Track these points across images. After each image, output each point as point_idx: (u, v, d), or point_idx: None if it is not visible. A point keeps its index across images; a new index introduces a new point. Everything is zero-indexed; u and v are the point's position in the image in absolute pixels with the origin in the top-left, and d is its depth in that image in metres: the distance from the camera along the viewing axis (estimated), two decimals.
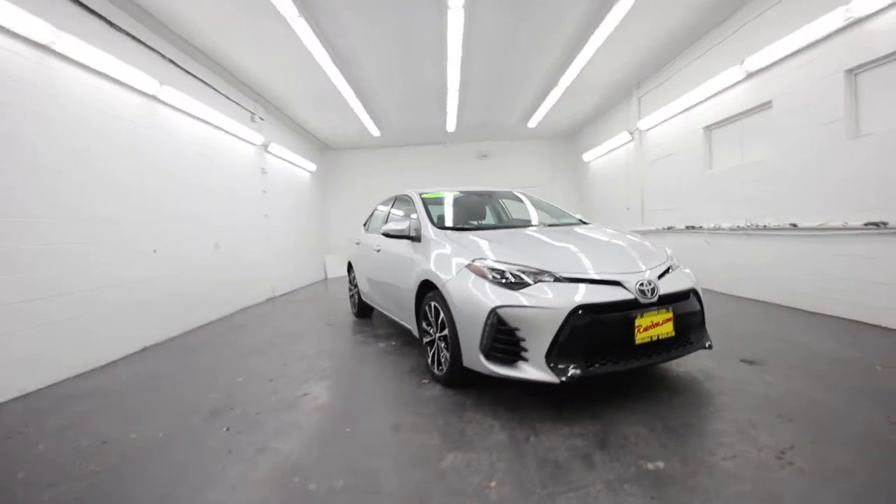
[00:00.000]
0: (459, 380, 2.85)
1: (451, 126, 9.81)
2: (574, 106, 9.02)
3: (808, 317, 4.35)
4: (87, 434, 2.49)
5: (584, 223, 3.89)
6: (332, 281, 10.75)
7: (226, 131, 6.46)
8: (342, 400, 2.87)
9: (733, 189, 5.62)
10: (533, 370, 2.36)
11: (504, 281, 2.53)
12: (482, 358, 2.50)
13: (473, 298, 2.56)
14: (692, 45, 6.17)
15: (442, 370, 2.96)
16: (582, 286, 2.45)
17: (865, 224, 3.85)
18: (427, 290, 3.17)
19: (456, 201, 4.22)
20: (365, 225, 5.55)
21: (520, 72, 7.01)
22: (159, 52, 4.92)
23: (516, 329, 2.40)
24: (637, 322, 2.40)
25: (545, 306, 2.35)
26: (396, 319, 4.08)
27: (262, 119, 7.77)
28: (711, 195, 6.10)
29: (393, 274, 3.87)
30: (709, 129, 6.14)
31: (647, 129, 7.74)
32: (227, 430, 2.46)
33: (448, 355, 2.83)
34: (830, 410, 2.34)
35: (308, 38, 5.15)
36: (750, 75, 5.15)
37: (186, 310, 5.19)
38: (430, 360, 3.14)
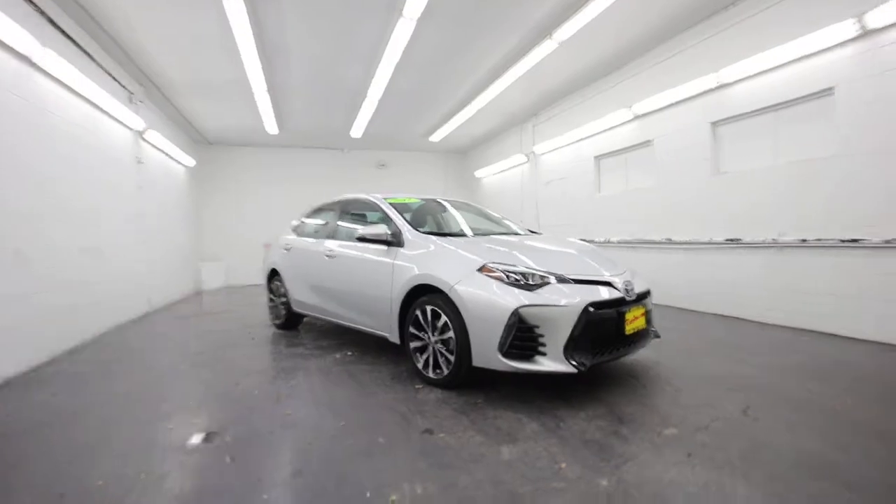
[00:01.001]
0: (464, 381, 2.92)
1: (357, 132, 9.62)
2: (475, 126, 9.68)
3: (687, 314, 5.49)
4: None
5: (535, 233, 4.30)
6: (208, 294, 9.48)
7: (103, 110, 5.32)
8: (345, 417, 2.66)
9: (620, 209, 6.76)
10: (550, 362, 2.59)
11: (521, 283, 2.71)
12: (500, 356, 2.64)
13: (492, 300, 2.68)
14: (588, 85, 7.26)
15: (440, 373, 2.98)
16: (585, 286, 2.78)
17: (726, 240, 5.07)
18: (417, 295, 3.17)
19: (421, 208, 4.25)
20: (295, 229, 5.14)
21: (443, 89, 7.32)
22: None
23: (535, 326, 2.61)
24: (626, 316, 2.82)
25: (563, 304, 2.61)
26: (356, 327, 3.91)
27: (141, 102, 6.59)
28: (601, 214, 7.22)
29: (360, 281, 3.72)
30: (598, 158, 7.29)
31: (542, 154, 8.77)
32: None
33: (452, 358, 2.88)
34: (758, 384, 3.07)
35: (240, 22, 4.64)
36: (637, 117, 6.32)
37: (37, 333, 3.83)
38: (421, 366, 3.13)
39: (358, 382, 3.23)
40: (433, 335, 3.02)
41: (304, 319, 5.27)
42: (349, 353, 4.03)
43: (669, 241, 5.80)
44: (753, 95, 4.75)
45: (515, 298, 2.63)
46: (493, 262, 2.83)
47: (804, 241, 4.30)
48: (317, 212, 5.04)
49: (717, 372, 3.25)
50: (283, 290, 5.00)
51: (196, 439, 2.34)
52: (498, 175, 10.86)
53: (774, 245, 4.58)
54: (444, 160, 12.66)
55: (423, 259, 3.21)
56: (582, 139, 7.50)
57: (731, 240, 5.01)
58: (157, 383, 3.36)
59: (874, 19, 3.65)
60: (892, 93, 3.66)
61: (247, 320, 5.98)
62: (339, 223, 4.42)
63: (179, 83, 6.78)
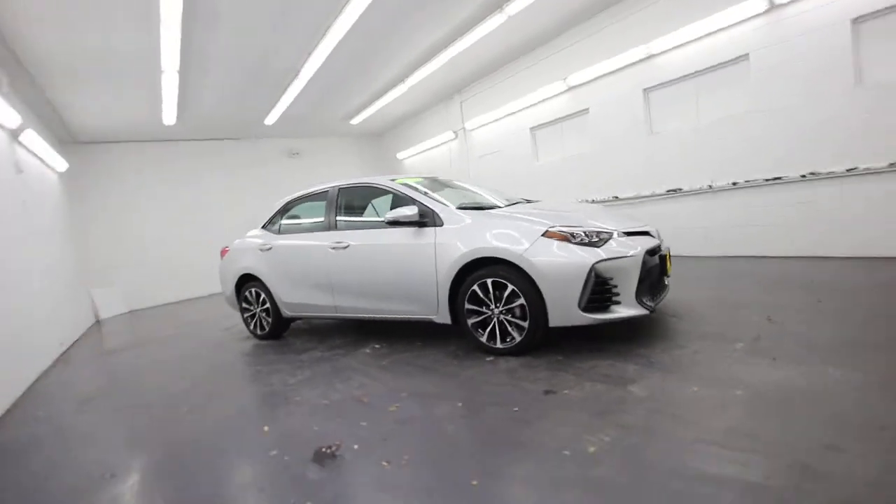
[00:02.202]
0: (538, 344, 3.03)
1: (272, 118, 8.77)
2: (396, 107, 9.50)
3: None
4: None
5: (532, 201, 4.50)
6: (113, 321, 8.04)
7: None
8: (457, 400, 2.60)
9: (561, 176, 7.33)
10: (625, 309, 2.83)
11: (587, 241, 2.88)
12: (581, 312, 2.80)
13: (567, 261, 2.81)
14: (518, 59, 7.59)
15: (512, 341, 3.05)
16: (635, 237, 3.06)
17: (667, 191, 5.87)
18: (470, 270, 3.16)
19: (427, 186, 4.13)
20: (272, 226, 4.62)
21: (379, 65, 7.04)
22: None
23: (609, 279, 2.82)
24: (666, 260, 3.19)
25: (631, 255, 2.86)
26: (387, 317, 3.74)
27: (7, 92, 5.18)
28: (540, 180, 7.73)
29: (392, 268, 3.55)
30: (534, 129, 7.75)
31: (473, 129, 9.00)
32: None
33: (525, 324, 2.96)
34: (743, 300, 3.70)
35: None
36: (571, 88, 6.84)
37: None
38: (485, 339, 3.16)
39: (423, 369, 3.14)
40: (498, 306, 3.07)
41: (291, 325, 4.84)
42: (377, 346, 3.85)
43: (616, 199, 6.50)
44: (681, 63, 5.51)
45: (591, 255, 2.80)
46: (556, 227, 2.96)
47: (735, 183, 5.21)
48: (297, 205, 4.58)
49: (705, 297, 3.83)
50: (264, 296, 4.50)
51: (360, 454, 2.11)
52: (422, 154, 10.85)
53: (710, 191, 5.45)
54: (359, 144, 12.20)
55: (469, 234, 3.19)
56: (516, 112, 7.87)
57: (672, 190, 5.82)
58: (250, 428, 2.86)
59: None
60: (790, 57, 4.58)
61: (210, 339, 5.28)
62: (342, 213, 4.10)
63: (58, 66, 5.46)
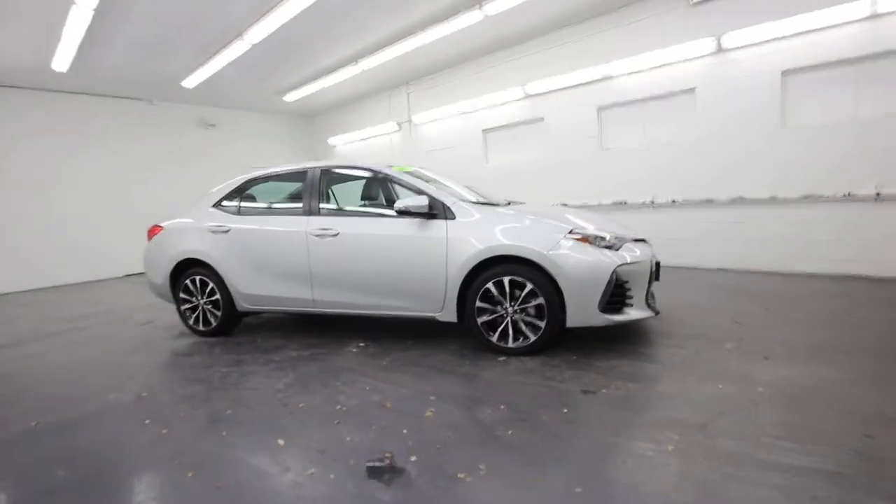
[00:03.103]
0: (551, 344, 3.03)
1: (193, 81, 7.62)
2: (336, 90, 8.92)
3: None
4: None
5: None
6: None
7: None
8: (488, 404, 2.46)
9: (510, 179, 7.52)
10: (636, 311, 2.98)
11: (606, 245, 2.96)
12: (600, 313, 2.88)
13: (592, 263, 2.86)
14: (476, 59, 7.61)
15: (525, 341, 3.01)
16: (638, 244, 3.24)
17: (613, 202, 6.36)
18: (483, 269, 3.05)
19: (424, 177, 3.90)
20: (228, 205, 3.98)
21: (329, 45, 6.54)
22: None
23: (625, 282, 2.94)
24: (658, 268, 3.43)
25: (643, 260, 3.01)
26: (378, 314, 3.46)
27: None
28: (490, 182, 7.81)
29: (394, 260, 3.27)
30: (487, 131, 7.85)
31: (422, 124, 8.82)
32: None
33: (541, 323, 2.95)
34: (697, 303, 4.15)
35: None
36: (529, 96, 7.06)
37: None
38: (496, 338, 3.08)
39: (436, 370, 2.94)
40: (513, 305, 3.01)
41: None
42: (363, 345, 3.53)
43: (565, 206, 6.85)
44: (634, 87, 6.00)
45: (613, 259, 2.89)
46: (579, 229, 2.99)
47: (674, 201, 5.83)
48: (259, 184, 4.01)
49: (668, 301, 4.13)
50: (213, 285, 3.87)
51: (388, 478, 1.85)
52: (359, 143, 10.35)
53: (652, 206, 6.03)
54: (287, 124, 11.22)
55: (484, 230, 3.09)
56: (471, 112, 7.89)
57: (618, 203, 6.32)
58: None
59: (727, 41, 5.12)
60: (730, 95, 5.26)
61: (127, 336, 4.40)
62: (325, 197, 3.68)
63: None
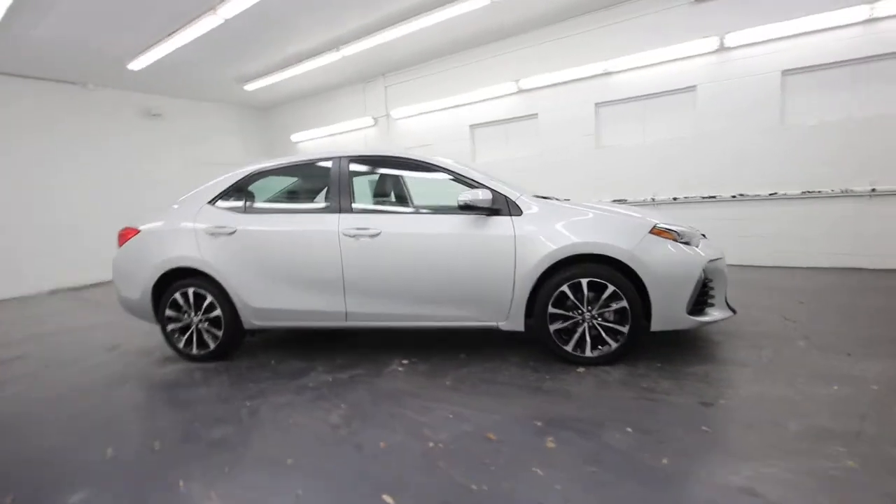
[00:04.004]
0: (630, 351, 2.77)
1: (141, 63, 6.60)
2: (306, 80, 8.22)
3: None
4: None
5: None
6: None
7: None
8: (606, 427, 2.13)
9: (499, 175, 7.26)
10: (718, 312, 2.80)
11: (685, 241, 2.75)
12: (687, 315, 2.66)
13: (680, 260, 2.64)
14: (463, 51, 7.27)
15: (607, 348, 2.73)
16: (703, 238, 3.08)
17: (613, 200, 6.30)
18: (554, 270, 2.73)
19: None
20: (231, 202, 3.33)
21: (305, 29, 5.95)
22: None
23: (709, 280, 2.75)
24: None
25: (722, 255, 2.84)
26: (427, 325, 3.02)
27: None
28: None
29: (452, 263, 2.85)
30: (475, 127, 7.54)
31: (401, 119, 8.33)
32: None
33: (624, 328, 2.68)
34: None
35: None
36: (522, 91, 6.85)
37: None
38: (571, 347, 2.77)
39: (519, 388, 2.56)
40: (591, 310, 2.72)
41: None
42: (406, 362, 3.07)
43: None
44: (633, 84, 5.98)
45: (700, 255, 2.68)
46: (662, 223, 2.75)
47: (675, 199, 5.86)
48: (267, 178, 3.40)
49: None
50: (212, 299, 3.21)
51: None
52: (327, 139, 9.63)
53: (652, 203, 6.03)
54: (241, 116, 10.22)
55: (557, 227, 2.77)
56: (457, 106, 7.54)
57: (617, 201, 6.27)
58: None
59: (730, 40, 5.20)
60: (731, 93, 5.36)
61: (93, 365, 3.58)
62: (356, 192, 3.15)
63: None
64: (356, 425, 2.25)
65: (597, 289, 2.70)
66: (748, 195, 5.41)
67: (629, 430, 2.03)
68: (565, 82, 6.44)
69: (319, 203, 3.27)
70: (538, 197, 3.09)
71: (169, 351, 3.55)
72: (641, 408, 2.24)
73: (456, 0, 5.32)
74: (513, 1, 5.40)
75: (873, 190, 4.74)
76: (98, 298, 6.41)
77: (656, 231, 2.71)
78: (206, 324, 3.30)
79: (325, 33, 6.32)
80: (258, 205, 3.38)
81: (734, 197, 5.49)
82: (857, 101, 4.81)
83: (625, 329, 2.69)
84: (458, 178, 3.01)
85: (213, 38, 5.92)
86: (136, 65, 6.67)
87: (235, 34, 5.99)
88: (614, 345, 2.73)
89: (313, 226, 3.09)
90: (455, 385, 2.65)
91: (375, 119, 8.65)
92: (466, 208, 2.79)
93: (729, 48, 5.29)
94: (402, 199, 3.92)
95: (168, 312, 3.33)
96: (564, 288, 2.72)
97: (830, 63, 4.84)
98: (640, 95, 6.00)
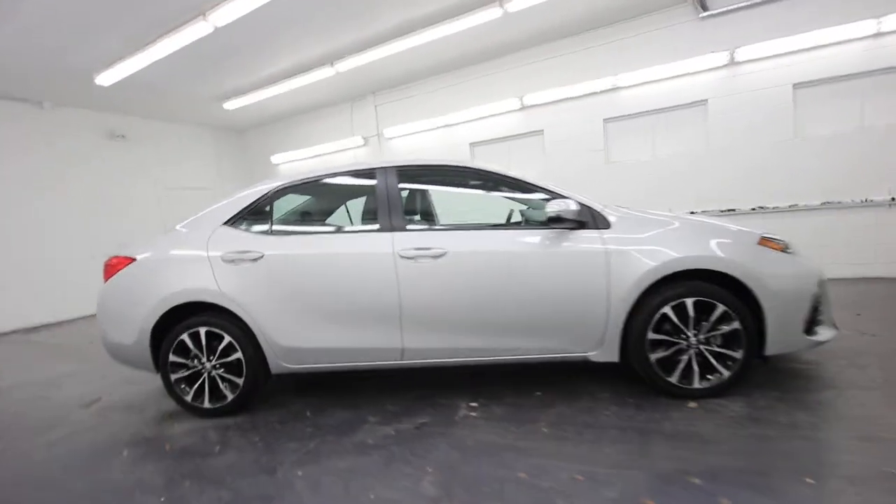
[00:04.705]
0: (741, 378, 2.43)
1: (111, 78, 5.91)
2: (289, 99, 7.73)
3: None
4: None
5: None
6: None
7: None
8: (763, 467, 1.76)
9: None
10: (826, 331, 2.51)
11: (791, 252, 2.49)
12: (804, 335, 2.37)
13: (794, 275, 2.38)
14: (462, 68, 7.05)
15: (718, 378, 2.38)
16: None
17: None
18: (654, 289, 2.39)
19: None
20: (255, 223, 2.80)
21: (303, 34, 5.54)
22: None
23: (821, 295, 2.48)
24: None
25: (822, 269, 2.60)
26: (503, 359, 2.57)
27: None
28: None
29: (534, 285, 2.45)
30: (475, 145, 7.28)
31: (394, 138, 7.96)
32: None
33: (737, 353, 2.35)
34: None
35: None
36: (526, 108, 6.67)
37: None
38: (676, 378, 2.40)
39: (633, 432, 2.15)
40: (697, 334, 2.38)
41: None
42: (473, 405, 2.60)
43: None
44: (642, 99, 5.91)
45: (814, 266, 2.43)
46: (767, 234, 2.48)
47: (693, 212, 5.75)
48: (296, 193, 2.91)
49: None
50: (230, 339, 2.64)
51: None
52: (312, 160, 9.09)
53: None
54: (216, 138, 9.53)
55: (652, 240, 2.44)
56: (455, 124, 7.27)
57: None
58: None
59: (740, 54, 5.23)
60: (743, 106, 5.37)
61: (67, 431, 2.87)
62: (405, 207, 2.72)
63: None
64: (463, 497, 1.76)
65: (701, 310, 2.37)
66: (767, 207, 5.36)
67: (809, 480, 1.67)
68: (572, 98, 6.32)
69: (367, 223, 2.80)
70: (617, 206, 2.76)
71: (165, 404, 2.94)
72: (798, 449, 1.88)
73: (468, 11, 5.09)
74: (523, 14, 5.22)
75: (893, 199, 4.78)
76: (58, 341, 5.50)
77: (763, 241, 2.44)
78: (221, 370, 2.70)
79: (317, 46, 5.93)
80: (287, 226, 2.87)
81: (754, 209, 5.43)
82: (869, 111, 4.89)
83: (737, 354, 2.37)
84: (530, 188, 2.65)
85: (196, 50, 5.38)
86: (105, 79, 5.96)
87: (221, 46, 5.49)
88: (726, 373, 2.38)
89: (361, 247, 2.62)
90: (555, 432, 2.21)
91: (366, 139, 8.23)
92: (556, 221, 2.42)
93: (739, 62, 5.31)
94: (429, 216, 3.44)
95: (172, 358, 2.71)
96: (667, 310, 2.37)
97: (840, 76, 4.92)
98: (649, 110, 5.94)
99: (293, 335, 2.62)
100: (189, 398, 2.74)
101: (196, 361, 2.71)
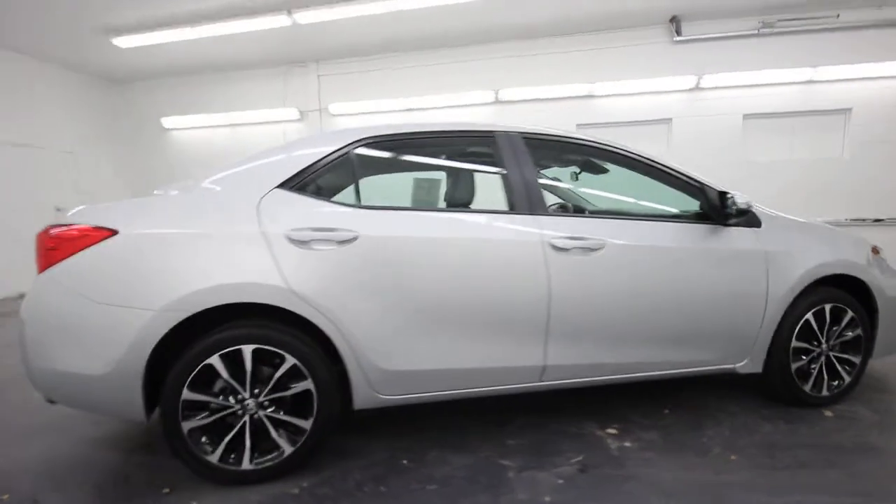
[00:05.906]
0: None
1: None
2: (199, 48, 6.16)
3: None
4: None
5: None
6: None
7: None
8: None
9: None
10: None
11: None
12: None
13: None
14: (432, 49, 6.44)
15: (839, 384, 2.36)
16: None
17: None
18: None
19: None
20: (330, 190, 1.94)
21: None
22: None
23: None
24: None
25: None
26: (642, 375, 2.16)
27: None
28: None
29: (695, 287, 2.11)
30: None
31: (342, 115, 6.94)
32: None
33: (857, 359, 2.37)
34: None
35: None
36: (500, 102, 6.38)
37: None
38: (809, 387, 2.30)
39: (808, 449, 1.95)
40: (828, 341, 2.33)
41: None
42: (613, 432, 2.15)
43: None
44: (614, 109, 6.12)
45: None
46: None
47: None
48: (393, 152, 2.12)
49: None
50: (294, 362, 1.74)
51: None
52: (224, 129, 7.46)
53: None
54: (86, 86, 7.21)
55: (800, 240, 2.33)
56: (418, 109, 6.61)
57: None
58: None
59: (705, 81, 5.73)
60: (703, 128, 5.90)
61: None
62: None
63: None
64: None
65: (835, 316, 2.32)
66: None
67: None
68: (548, 99, 6.24)
69: (490, 201, 2.14)
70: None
71: (160, 459, 1.85)
72: None
73: None
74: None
75: None
76: None
77: (874, 250, 2.51)
78: (271, 408, 1.77)
79: None
80: (380, 193, 2.05)
81: None
82: (798, 145, 5.79)
83: (856, 360, 2.38)
84: (682, 179, 2.38)
85: None
86: None
87: None
88: (847, 379, 2.38)
89: (496, 232, 1.97)
90: (748, 460, 1.88)
91: (303, 112, 7.03)
92: (742, 214, 2.13)
93: (703, 88, 5.83)
94: (458, 204, 2.78)
95: (188, 395, 1.68)
96: (809, 317, 2.27)
97: (780, 112, 5.72)
98: (620, 121, 6.17)
99: (403, 353, 1.84)
100: (214, 457, 1.72)
101: (231, 398, 1.73)
